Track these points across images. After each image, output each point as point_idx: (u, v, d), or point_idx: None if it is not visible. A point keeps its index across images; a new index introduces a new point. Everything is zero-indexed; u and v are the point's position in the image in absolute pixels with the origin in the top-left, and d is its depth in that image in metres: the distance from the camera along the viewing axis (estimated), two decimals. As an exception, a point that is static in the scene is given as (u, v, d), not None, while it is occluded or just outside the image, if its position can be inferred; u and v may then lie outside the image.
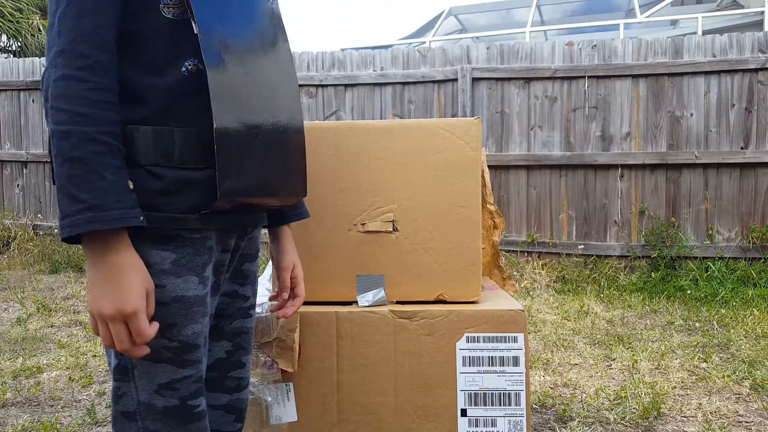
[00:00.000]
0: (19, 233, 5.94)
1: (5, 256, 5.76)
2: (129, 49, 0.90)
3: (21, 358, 3.14)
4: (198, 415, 0.97)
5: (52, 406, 2.49)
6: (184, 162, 0.92)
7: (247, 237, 1.08)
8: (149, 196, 0.89)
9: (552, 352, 3.21)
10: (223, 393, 1.12)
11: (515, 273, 4.90)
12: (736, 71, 4.60)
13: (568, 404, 2.50)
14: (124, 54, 0.89)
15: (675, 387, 2.61)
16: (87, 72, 0.85)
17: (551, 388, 2.70)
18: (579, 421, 2.30)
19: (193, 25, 0.90)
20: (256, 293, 1.15)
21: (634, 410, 2.37)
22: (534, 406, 2.51)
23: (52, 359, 3.07)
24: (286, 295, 1.14)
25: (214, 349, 1.10)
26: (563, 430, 2.28)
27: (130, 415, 0.95)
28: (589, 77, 4.86)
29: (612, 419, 2.30)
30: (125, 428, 0.96)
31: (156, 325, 0.88)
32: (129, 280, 0.85)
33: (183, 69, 0.93)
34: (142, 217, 0.86)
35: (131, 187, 0.87)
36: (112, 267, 0.85)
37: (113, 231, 0.84)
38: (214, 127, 0.89)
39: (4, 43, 11.15)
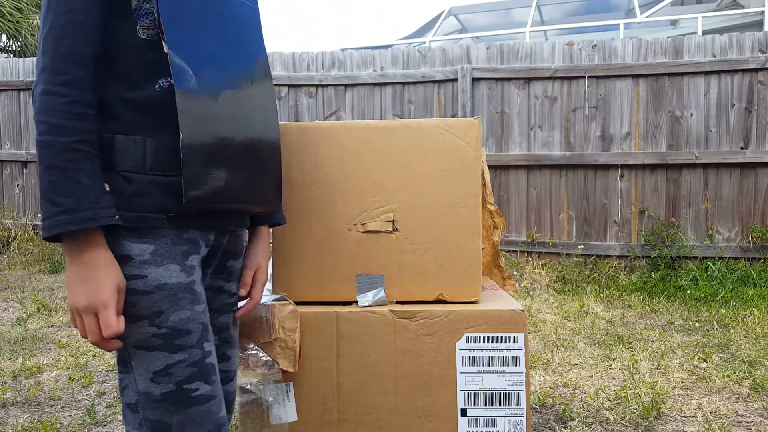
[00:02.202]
0: (19, 233, 5.94)
1: (5, 256, 5.76)
2: (109, 66, 0.99)
3: (21, 358, 3.13)
4: (197, 399, 1.01)
5: (52, 406, 2.49)
6: (155, 169, 1.01)
7: (229, 235, 1.14)
8: (124, 198, 0.97)
9: (552, 352, 3.21)
10: None
11: (515, 273, 4.90)
12: (736, 71, 4.60)
13: (568, 404, 2.50)
14: (105, 71, 0.99)
15: (675, 387, 2.61)
16: (65, 87, 0.94)
17: (551, 388, 2.70)
18: (579, 421, 2.30)
19: (164, 44, 0.98)
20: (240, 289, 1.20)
21: (634, 410, 2.37)
22: (534, 406, 2.51)
23: (52, 359, 3.07)
24: (243, 293, 1.18)
25: None
26: (563, 430, 2.28)
27: (132, 407, 1.02)
28: (589, 77, 4.86)
29: (612, 419, 2.30)
30: (130, 420, 1.03)
31: (122, 321, 0.95)
32: (101, 275, 0.93)
33: (157, 86, 1.02)
34: (117, 216, 0.95)
35: (107, 189, 0.95)
36: (86, 263, 0.93)
37: (89, 230, 0.93)
38: (181, 140, 0.97)
39: (4, 42, 11.15)
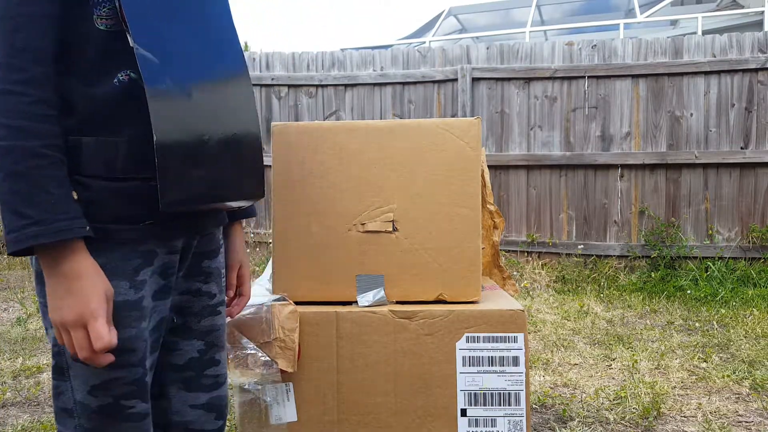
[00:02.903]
0: (19, 233, 5.93)
1: (5, 257, 5.76)
2: (62, 59, 0.90)
3: (21, 358, 3.13)
4: (132, 416, 0.98)
5: (51, 406, 2.49)
6: (114, 174, 0.93)
7: (199, 236, 1.09)
8: (81, 206, 0.89)
9: (552, 352, 3.21)
10: (201, 392, 1.14)
11: (515, 273, 4.90)
12: (736, 71, 4.60)
13: (568, 404, 2.50)
14: (58, 64, 0.89)
15: (675, 387, 2.61)
16: (24, 86, 0.85)
17: (551, 388, 2.70)
18: (579, 421, 2.30)
19: (129, 38, 0.90)
20: (223, 290, 1.18)
21: (634, 410, 2.37)
22: (534, 406, 2.51)
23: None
24: (231, 293, 1.16)
25: (186, 348, 1.12)
26: (563, 430, 2.28)
27: (69, 412, 0.98)
28: (589, 77, 4.86)
29: (612, 419, 2.30)
30: (65, 423, 0.99)
31: (114, 331, 0.88)
32: (86, 285, 0.86)
33: (115, 80, 0.93)
34: (88, 227, 0.87)
35: (75, 197, 0.88)
36: (67, 274, 0.86)
37: (65, 241, 0.85)
38: (155, 140, 0.89)
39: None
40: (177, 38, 0.98)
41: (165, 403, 1.14)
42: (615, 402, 2.47)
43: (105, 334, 0.87)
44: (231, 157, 1.05)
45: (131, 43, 0.90)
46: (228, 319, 1.11)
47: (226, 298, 1.19)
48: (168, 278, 1.03)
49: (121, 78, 0.93)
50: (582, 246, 4.88)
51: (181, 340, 1.12)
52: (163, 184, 0.91)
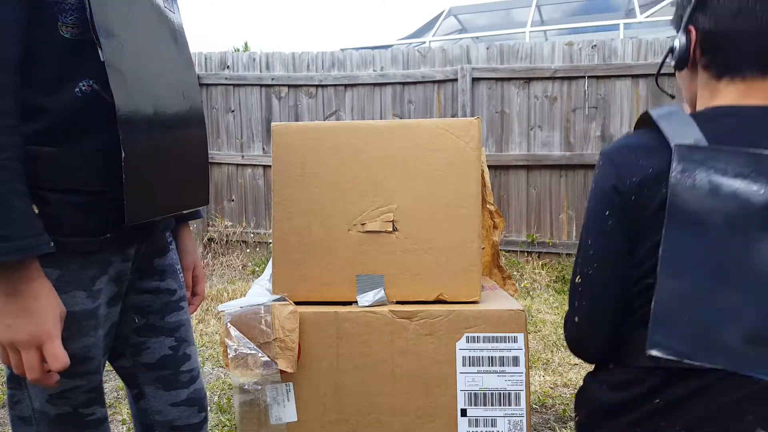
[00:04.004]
0: (19, 233, 5.93)
1: None
2: (23, 66, 0.86)
3: (21, 358, 3.13)
4: (92, 423, 0.99)
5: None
6: (72, 184, 0.90)
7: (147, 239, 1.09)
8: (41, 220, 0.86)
9: (552, 352, 3.21)
10: (180, 389, 1.15)
11: (515, 273, 4.90)
12: (736, 71, 4.59)
13: (568, 404, 2.50)
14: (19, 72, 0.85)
15: (675, 387, 2.60)
16: None
17: (551, 388, 2.70)
18: (579, 421, 2.30)
19: (99, 52, 0.87)
20: (182, 286, 1.19)
21: (634, 410, 2.37)
22: (534, 406, 2.51)
23: (52, 359, 3.07)
24: (190, 295, 1.19)
25: (155, 346, 1.13)
26: (563, 430, 2.28)
27: (26, 420, 0.97)
28: (589, 77, 4.86)
29: (612, 419, 2.30)
30: (22, 431, 0.98)
31: (66, 352, 0.86)
32: (42, 307, 0.84)
33: (77, 90, 0.90)
34: (51, 243, 0.84)
35: (36, 211, 0.84)
36: (23, 294, 0.83)
37: (24, 259, 0.82)
38: (123, 156, 0.88)
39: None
40: (141, 54, 0.96)
41: (145, 404, 1.15)
42: (615, 402, 2.46)
43: (61, 356, 0.85)
44: (186, 168, 1.06)
45: (102, 57, 0.87)
46: (229, 318, 1.12)
47: (186, 293, 1.21)
48: (121, 285, 1.03)
49: (83, 88, 0.91)
50: (582, 246, 4.88)
51: (149, 339, 1.12)
52: (129, 199, 0.89)
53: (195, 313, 2.82)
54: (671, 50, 0.98)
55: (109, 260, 0.98)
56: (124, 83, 0.90)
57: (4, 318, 0.83)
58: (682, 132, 0.84)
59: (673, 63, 0.96)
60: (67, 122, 0.90)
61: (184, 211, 1.09)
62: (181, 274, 1.20)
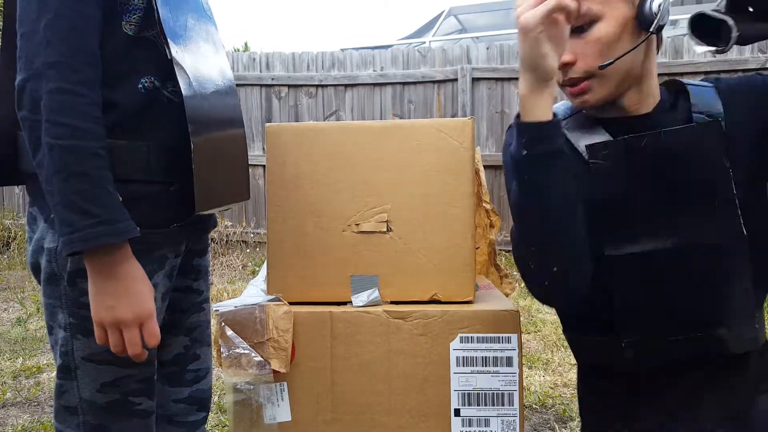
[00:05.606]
0: (19, 233, 5.95)
1: (5, 256, 5.77)
2: None
3: (21, 358, 3.14)
4: (139, 412, 1.01)
5: (52, 406, 2.50)
6: (139, 175, 0.96)
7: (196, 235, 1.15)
8: None
9: (552, 352, 3.21)
10: (183, 386, 1.18)
11: (515, 273, 4.90)
12: (735, 71, 4.59)
13: (568, 404, 2.50)
14: None
15: (674, 387, 2.60)
16: (82, 87, 0.86)
17: (551, 388, 2.70)
18: (579, 421, 2.30)
19: (167, 50, 0.94)
20: (209, 287, 1.22)
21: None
22: (534, 406, 2.51)
23: (52, 359, 3.08)
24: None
25: (173, 345, 1.17)
26: (563, 430, 2.28)
27: (71, 410, 0.99)
28: (588, 77, 4.85)
29: (610, 419, 2.30)
30: (66, 420, 1.00)
31: (159, 330, 0.94)
32: (141, 287, 0.91)
33: (140, 86, 0.96)
34: (138, 228, 0.91)
35: (120, 200, 0.91)
36: (123, 276, 0.89)
37: (122, 243, 0.88)
38: (192, 148, 0.94)
39: (5, 43, 11.14)
40: (198, 55, 1.03)
41: None
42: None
43: (158, 333, 0.93)
44: (234, 164, 1.13)
45: (169, 55, 0.93)
46: (223, 318, 1.13)
47: (209, 294, 1.23)
48: (172, 280, 1.07)
49: (145, 84, 0.96)
50: (582, 246, 4.87)
51: (170, 337, 1.15)
52: (198, 188, 0.95)
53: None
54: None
55: (165, 256, 1.03)
56: (188, 81, 0.95)
57: (106, 299, 0.88)
58: None
59: (662, 22, 0.92)
60: (133, 116, 0.95)
61: (232, 206, 1.16)
62: (209, 276, 1.25)
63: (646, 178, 0.94)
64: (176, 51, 0.94)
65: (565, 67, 0.98)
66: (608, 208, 0.96)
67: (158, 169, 0.97)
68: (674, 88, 1.06)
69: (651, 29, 0.91)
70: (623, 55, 0.93)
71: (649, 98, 1.02)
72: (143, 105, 0.96)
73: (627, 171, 0.95)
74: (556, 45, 0.88)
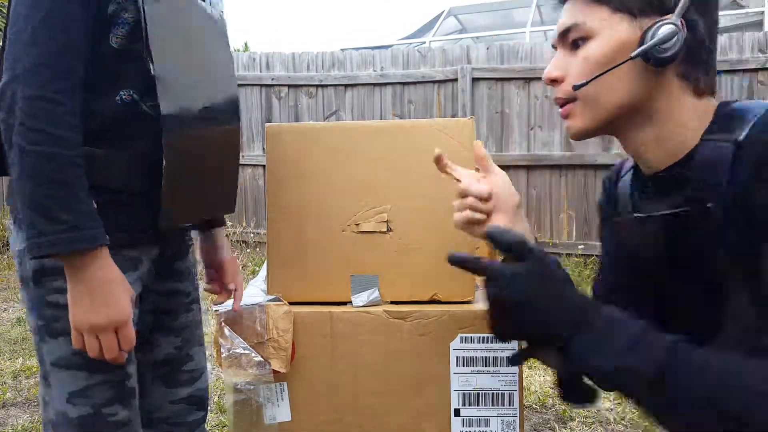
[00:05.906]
0: (20, 234, 5.95)
1: (5, 256, 5.76)
2: None
3: (21, 358, 3.14)
4: (114, 424, 0.97)
5: (51, 406, 2.50)
6: (114, 185, 0.96)
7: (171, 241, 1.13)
8: None
9: (551, 352, 3.21)
10: (179, 387, 1.18)
11: (515, 273, 4.89)
12: (736, 71, 4.59)
13: (568, 404, 2.50)
14: None
15: (674, 387, 2.60)
16: (61, 95, 0.86)
17: (551, 388, 2.70)
18: (579, 421, 2.30)
19: (151, 65, 0.93)
20: (197, 288, 1.22)
21: (634, 410, 2.37)
22: (534, 406, 2.51)
23: (52, 359, 3.08)
24: (233, 286, 1.21)
25: (163, 345, 1.17)
26: (563, 430, 2.28)
27: (53, 424, 0.98)
28: (588, 77, 4.85)
29: (612, 419, 2.30)
30: None
31: (134, 333, 0.93)
32: (117, 292, 0.90)
33: (118, 98, 0.96)
34: (108, 236, 0.90)
35: (95, 206, 0.91)
36: (98, 281, 0.88)
37: (95, 248, 0.88)
38: (164, 165, 0.94)
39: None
40: (192, 66, 1.02)
41: (148, 401, 1.17)
42: (615, 402, 2.47)
43: (133, 337, 0.93)
44: (220, 179, 1.12)
45: (153, 71, 0.93)
46: (223, 318, 1.14)
47: (198, 294, 1.23)
48: (145, 285, 1.06)
49: (123, 97, 0.96)
50: (582, 246, 4.88)
51: (160, 338, 1.16)
52: (166, 205, 0.96)
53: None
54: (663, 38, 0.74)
55: (140, 259, 1.03)
56: (171, 97, 0.95)
57: (83, 304, 0.88)
58: None
59: (664, 54, 0.75)
60: (109, 127, 0.96)
61: (208, 217, 1.16)
62: (196, 276, 1.24)
63: (624, 261, 0.89)
64: (161, 65, 0.94)
65: (552, 84, 0.86)
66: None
67: (134, 178, 0.98)
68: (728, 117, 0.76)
69: (633, 56, 0.76)
70: (597, 76, 0.78)
71: (671, 148, 0.79)
72: (120, 117, 0.96)
73: (614, 251, 0.93)
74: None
